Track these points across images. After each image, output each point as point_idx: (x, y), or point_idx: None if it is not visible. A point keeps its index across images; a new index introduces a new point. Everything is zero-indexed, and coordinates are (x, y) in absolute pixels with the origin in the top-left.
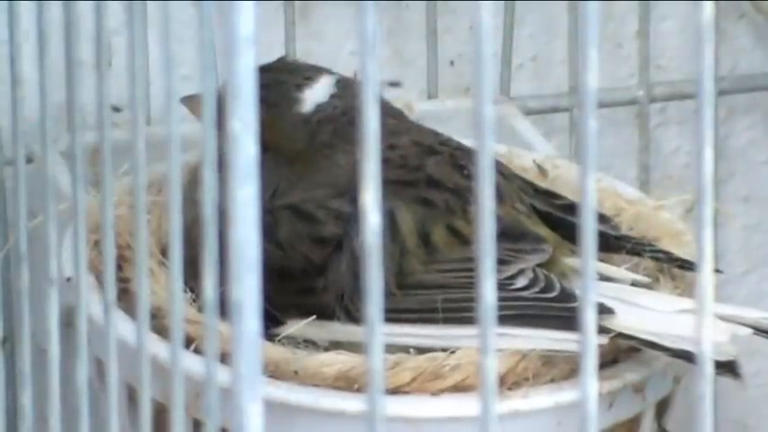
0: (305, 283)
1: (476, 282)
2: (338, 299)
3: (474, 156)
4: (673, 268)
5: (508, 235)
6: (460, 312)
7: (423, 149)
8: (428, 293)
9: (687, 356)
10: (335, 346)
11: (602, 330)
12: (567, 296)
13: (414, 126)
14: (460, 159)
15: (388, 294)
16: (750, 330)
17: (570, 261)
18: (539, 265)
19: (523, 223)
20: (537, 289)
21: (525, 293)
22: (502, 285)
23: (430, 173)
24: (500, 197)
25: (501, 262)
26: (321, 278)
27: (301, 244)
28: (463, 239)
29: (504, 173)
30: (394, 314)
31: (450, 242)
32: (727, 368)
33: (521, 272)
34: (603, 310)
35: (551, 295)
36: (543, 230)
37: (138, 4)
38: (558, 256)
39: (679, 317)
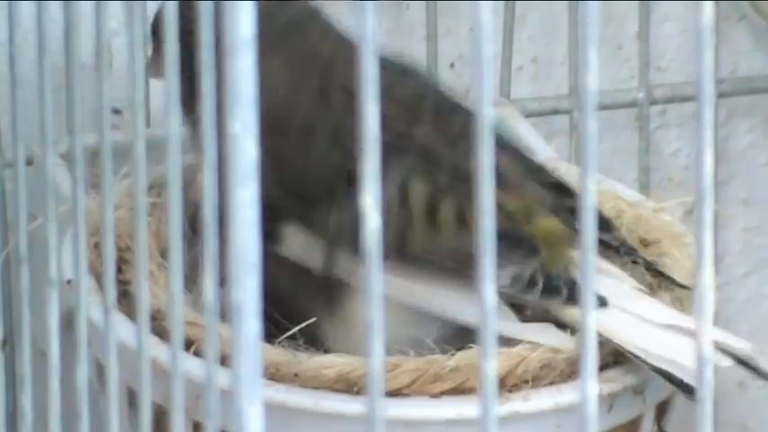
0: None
1: (462, 279)
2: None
3: (459, 112)
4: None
5: (501, 239)
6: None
7: (402, 106)
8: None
9: (668, 377)
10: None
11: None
12: (550, 293)
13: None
14: (448, 121)
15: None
16: (731, 362)
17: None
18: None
19: (533, 213)
20: (518, 287)
21: (504, 290)
22: None
23: (423, 143)
24: (506, 182)
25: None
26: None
27: (305, 92)
28: (465, 226)
29: (517, 152)
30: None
31: (452, 226)
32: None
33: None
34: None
35: (530, 296)
36: (553, 223)
37: (138, 5)
38: (565, 248)
39: (667, 333)
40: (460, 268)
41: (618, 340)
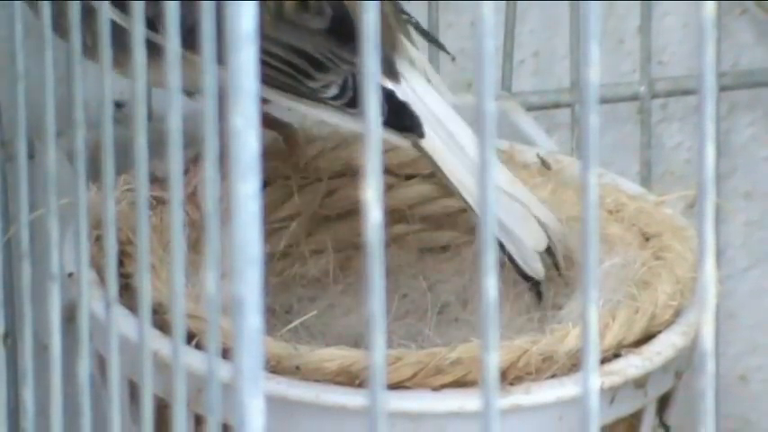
0: None
1: (294, 77)
2: None
3: None
4: None
5: (339, 33)
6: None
7: None
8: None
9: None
10: None
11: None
12: None
13: None
14: None
15: None
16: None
17: (412, 50)
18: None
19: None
20: (345, 101)
21: (333, 103)
22: (313, 91)
23: None
24: None
25: (320, 67)
26: None
27: None
28: (308, 8)
29: None
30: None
31: (298, 7)
32: (534, 285)
33: (333, 83)
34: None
35: (354, 110)
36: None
37: (138, 4)
38: (401, 38)
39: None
40: (289, 72)
41: (456, 182)
